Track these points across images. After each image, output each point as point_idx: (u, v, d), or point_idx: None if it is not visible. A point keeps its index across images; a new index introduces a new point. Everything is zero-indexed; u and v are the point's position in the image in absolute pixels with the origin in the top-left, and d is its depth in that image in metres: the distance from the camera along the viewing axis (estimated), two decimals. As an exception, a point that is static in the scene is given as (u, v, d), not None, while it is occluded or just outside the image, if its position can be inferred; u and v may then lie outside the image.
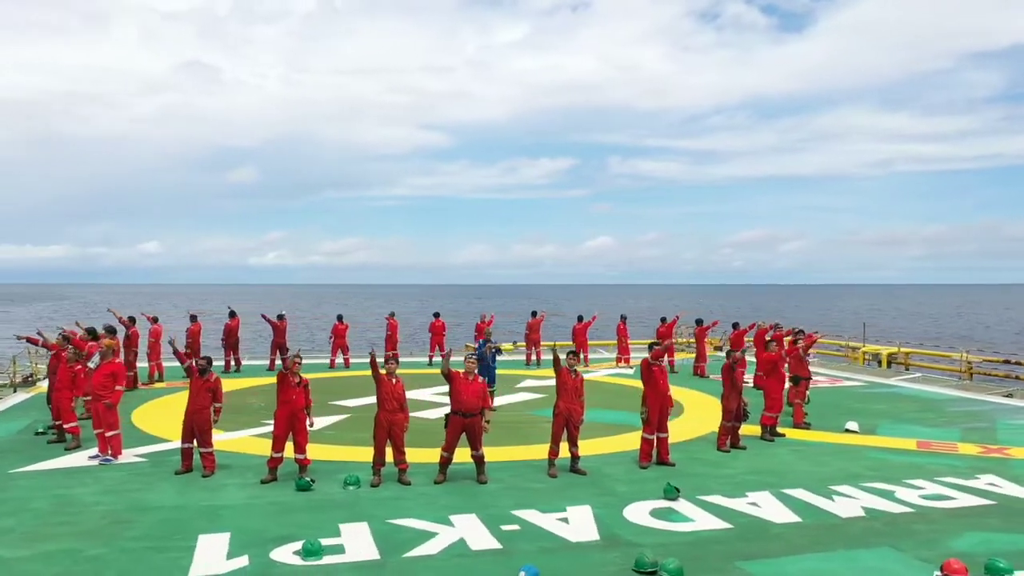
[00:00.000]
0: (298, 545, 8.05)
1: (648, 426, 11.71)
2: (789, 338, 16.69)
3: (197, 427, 10.94)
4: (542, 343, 24.56)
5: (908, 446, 13.18)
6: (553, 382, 11.33)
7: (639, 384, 12.06)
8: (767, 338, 15.67)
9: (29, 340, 15.12)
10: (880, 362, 25.71)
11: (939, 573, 7.22)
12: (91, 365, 12.88)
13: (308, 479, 10.35)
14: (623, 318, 24.96)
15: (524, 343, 25.25)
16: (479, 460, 10.78)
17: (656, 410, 11.70)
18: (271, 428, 11.00)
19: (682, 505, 9.67)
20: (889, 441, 13.59)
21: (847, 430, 14.39)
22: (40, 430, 13.53)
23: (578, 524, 8.96)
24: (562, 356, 11.15)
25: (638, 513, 9.36)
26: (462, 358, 11.40)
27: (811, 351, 16.97)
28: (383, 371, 10.69)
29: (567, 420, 11.11)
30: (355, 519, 9.02)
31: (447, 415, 10.77)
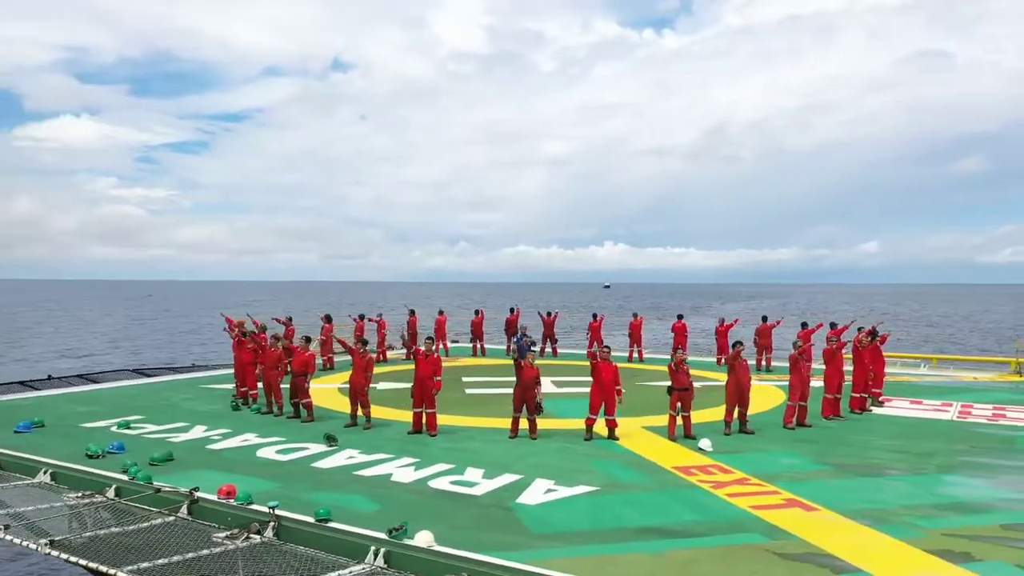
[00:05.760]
0: (150, 426, 15.64)
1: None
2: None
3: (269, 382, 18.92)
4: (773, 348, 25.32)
5: (687, 463, 12.84)
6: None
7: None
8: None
9: (228, 321, 20.46)
10: None
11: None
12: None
13: (257, 407, 17.68)
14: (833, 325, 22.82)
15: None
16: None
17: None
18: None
19: (325, 451, 13.62)
20: (691, 458, 13.25)
21: (700, 449, 13.88)
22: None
23: (289, 451, 13.75)
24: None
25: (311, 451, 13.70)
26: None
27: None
28: (297, 346, 17.35)
29: (355, 392, 15.79)
30: (223, 427, 15.71)
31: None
